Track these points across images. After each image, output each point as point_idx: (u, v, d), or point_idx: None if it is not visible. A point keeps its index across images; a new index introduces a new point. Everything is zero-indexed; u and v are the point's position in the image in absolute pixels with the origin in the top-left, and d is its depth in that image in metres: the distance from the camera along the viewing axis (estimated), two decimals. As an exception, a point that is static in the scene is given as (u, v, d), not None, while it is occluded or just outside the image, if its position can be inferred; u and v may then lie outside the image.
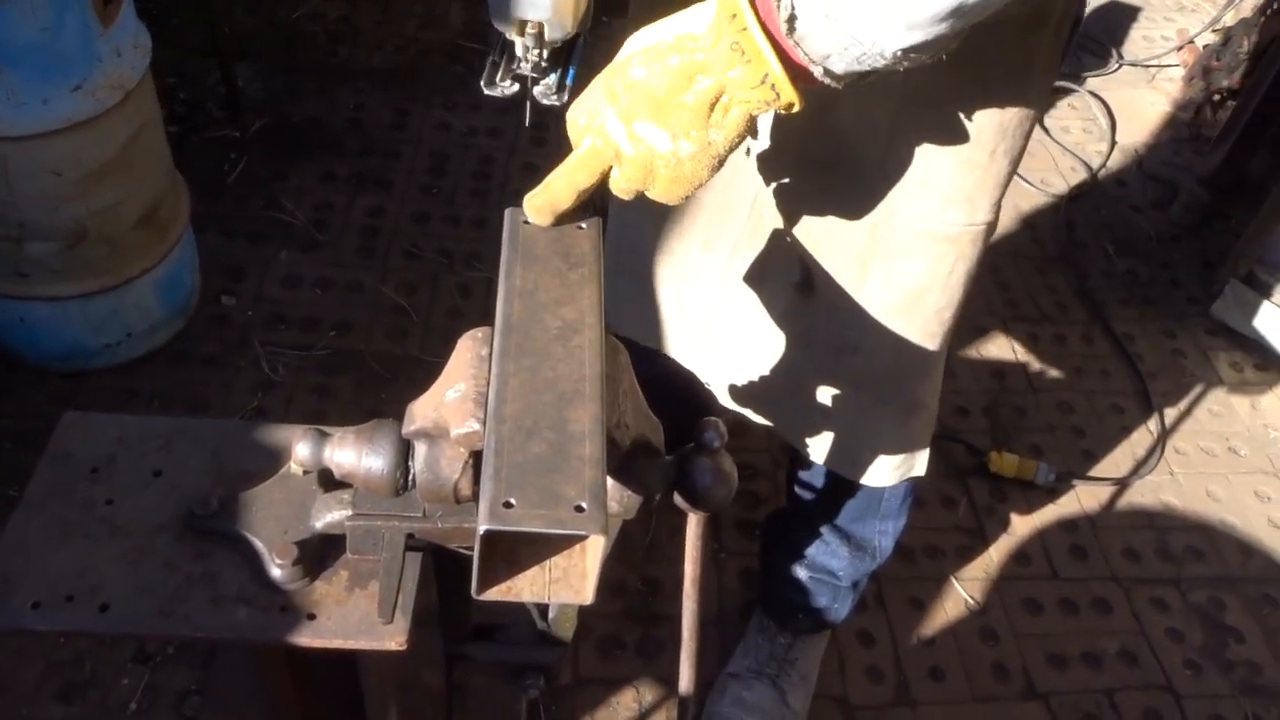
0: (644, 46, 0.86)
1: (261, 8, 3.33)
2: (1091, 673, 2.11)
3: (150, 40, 2.06)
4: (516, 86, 0.93)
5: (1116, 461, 2.50)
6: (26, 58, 1.81)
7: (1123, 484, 2.45)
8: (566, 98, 0.91)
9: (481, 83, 0.95)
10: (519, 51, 0.90)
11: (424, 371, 2.34)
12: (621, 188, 0.90)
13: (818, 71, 0.80)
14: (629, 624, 2.05)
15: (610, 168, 0.89)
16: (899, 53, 0.77)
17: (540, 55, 0.89)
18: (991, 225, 1.25)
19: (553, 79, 0.91)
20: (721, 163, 0.88)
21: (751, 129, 0.86)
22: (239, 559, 0.90)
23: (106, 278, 2.15)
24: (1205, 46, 3.56)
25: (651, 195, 0.90)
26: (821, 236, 1.26)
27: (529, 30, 0.87)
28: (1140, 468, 2.49)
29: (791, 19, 0.77)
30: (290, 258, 2.61)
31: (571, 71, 0.91)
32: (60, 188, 1.97)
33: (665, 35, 0.85)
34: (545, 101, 0.91)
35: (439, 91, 3.16)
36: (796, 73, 0.81)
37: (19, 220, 1.99)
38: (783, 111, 0.83)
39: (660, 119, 0.85)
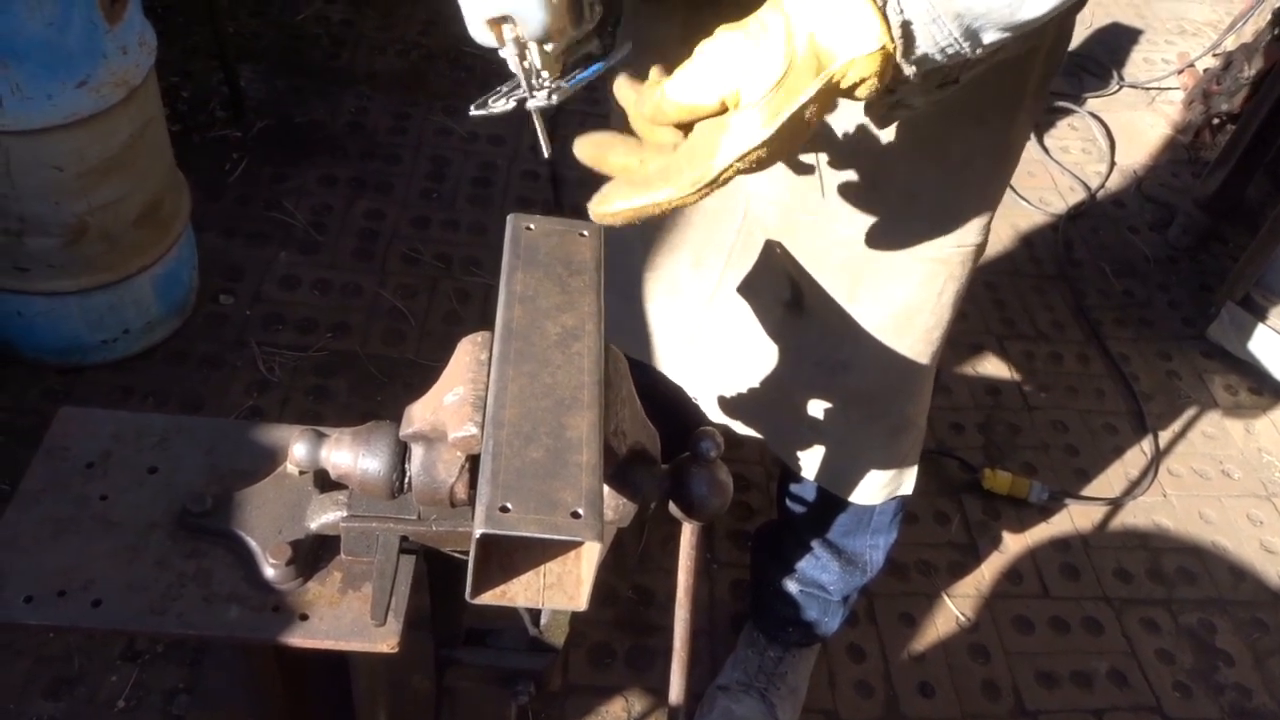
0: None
1: (266, 10, 3.34)
2: (1081, 692, 2.11)
3: (156, 39, 2.06)
4: (512, 104, 0.83)
5: (1110, 481, 2.50)
6: (32, 52, 1.82)
7: (1116, 504, 2.45)
8: (557, 98, 0.82)
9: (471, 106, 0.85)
10: (512, 66, 0.81)
11: (420, 375, 2.34)
12: None
13: (909, 71, 0.80)
14: (620, 633, 2.05)
15: None
16: (982, 50, 0.79)
17: (535, 66, 0.79)
18: (981, 247, 1.26)
19: (553, 82, 0.81)
20: None
21: None
22: (232, 558, 0.90)
23: (106, 274, 2.15)
24: (1205, 70, 3.58)
25: None
26: (812, 255, 1.26)
27: (507, 36, 0.79)
28: (1134, 488, 2.49)
29: (906, 24, 0.77)
30: (289, 259, 2.61)
31: (577, 77, 0.82)
32: (62, 183, 1.97)
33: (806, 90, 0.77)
34: (535, 103, 0.81)
35: (440, 97, 3.16)
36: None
37: (20, 214, 1.99)
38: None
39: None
